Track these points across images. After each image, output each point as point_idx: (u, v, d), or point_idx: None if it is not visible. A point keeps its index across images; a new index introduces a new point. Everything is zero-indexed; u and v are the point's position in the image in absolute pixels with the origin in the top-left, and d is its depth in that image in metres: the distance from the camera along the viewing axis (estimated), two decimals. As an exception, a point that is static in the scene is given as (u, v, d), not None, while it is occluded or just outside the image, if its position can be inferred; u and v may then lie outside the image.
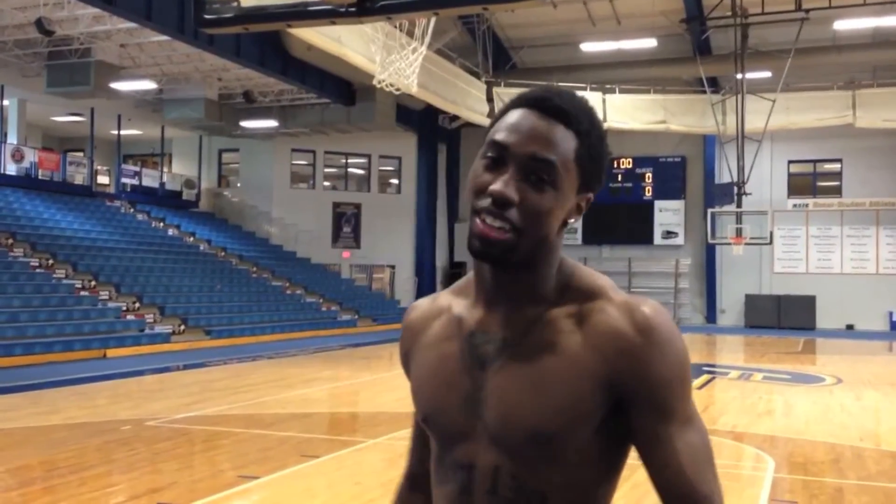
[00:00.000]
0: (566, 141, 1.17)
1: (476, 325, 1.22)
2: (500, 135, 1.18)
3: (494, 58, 26.00)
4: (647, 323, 1.14)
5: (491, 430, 1.17)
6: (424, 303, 1.35)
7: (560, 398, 1.13)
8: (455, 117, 26.70)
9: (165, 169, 28.92)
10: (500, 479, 1.16)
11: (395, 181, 30.94)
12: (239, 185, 30.01)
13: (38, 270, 18.53)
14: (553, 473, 1.15)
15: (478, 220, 1.15)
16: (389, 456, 7.40)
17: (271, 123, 26.23)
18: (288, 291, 24.70)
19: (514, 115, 1.19)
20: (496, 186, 1.14)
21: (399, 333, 1.39)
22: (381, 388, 12.54)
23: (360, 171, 30.74)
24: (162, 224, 25.86)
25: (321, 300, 24.88)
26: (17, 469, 6.88)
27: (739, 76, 23.32)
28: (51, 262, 19.03)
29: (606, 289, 1.20)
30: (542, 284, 1.21)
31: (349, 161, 30.30)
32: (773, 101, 23.45)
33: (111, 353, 16.06)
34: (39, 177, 23.44)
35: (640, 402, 1.14)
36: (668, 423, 1.14)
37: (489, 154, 1.18)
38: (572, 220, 1.23)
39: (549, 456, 1.15)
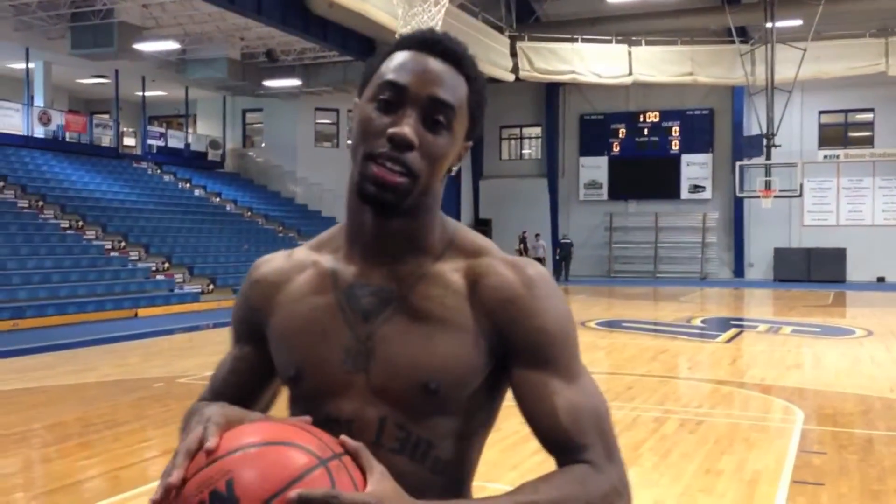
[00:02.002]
0: (460, 85, 1.15)
1: (355, 277, 1.18)
2: (396, 75, 1.13)
3: (518, 11, 25.62)
4: (531, 278, 1.16)
5: (377, 381, 1.13)
6: (278, 257, 1.28)
7: (449, 351, 1.13)
8: (479, 73, 26.39)
9: (190, 130, 29.01)
10: (385, 430, 1.13)
11: (419, 139, 30.79)
12: (263, 144, 30.03)
13: (68, 232, 18.77)
14: (439, 423, 1.15)
15: (373, 165, 1.10)
16: (417, 410, 7.47)
17: (294, 82, 26.13)
18: (314, 250, 24.80)
19: (406, 57, 1.14)
20: (399, 129, 1.10)
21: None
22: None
23: (384, 129, 30.60)
24: (188, 185, 26.01)
25: (347, 259, 24.95)
26: (54, 425, 7.04)
27: (769, 25, 22.82)
28: (80, 223, 19.25)
29: (491, 248, 1.21)
30: (425, 235, 1.18)
31: (373, 119, 30.17)
32: (804, 51, 22.94)
33: (142, 312, 16.31)
34: (67, 139, 23.62)
35: (523, 353, 1.14)
36: (550, 376, 1.14)
37: (383, 96, 1.12)
38: (454, 168, 1.19)
39: (436, 406, 1.14)
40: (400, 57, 1.15)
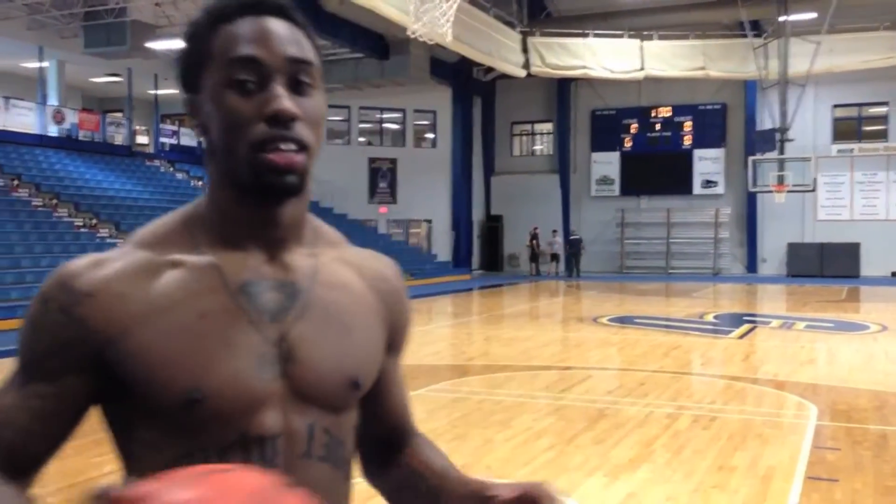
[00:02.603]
0: (302, 37, 1.05)
1: (246, 272, 1.03)
2: (243, 49, 1.00)
3: (529, 7, 25.57)
4: (397, 269, 1.20)
5: (302, 386, 1.02)
6: (106, 261, 1.02)
7: (365, 341, 1.10)
8: (490, 69, 26.40)
9: (202, 127, 29.08)
10: (314, 438, 1.03)
11: (430, 135, 30.80)
12: (275, 142, 30.08)
13: (82, 230, 18.88)
14: (348, 419, 1.09)
15: (264, 154, 0.99)
16: (430, 407, 7.48)
17: (305, 79, 26.16)
18: (326, 247, 24.87)
19: (241, 27, 1.02)
20: (277, 105, 0.99)
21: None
22: (420, 341, 12.63)
23: (396, 126, 30.63)
24: (201, 182, 26.10)
25: (359, 255, 24.99)
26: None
27: (782, 18, 22.68)
28: (94, 221, 19.36)
29: (343, 238, 1.17)
30: (305, 218, 1.09)
31: (384, 116, 30.20)
32: (818, 44, 22.79)
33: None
34: (80, 138, 23.75)
35: (394, 342, 1.18)
36: (399, 364, 1.22)
37: (239, 77, 1.00)
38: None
39: (352, 402, 1.09)
40: (232, 29, 1.02)
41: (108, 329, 0.98)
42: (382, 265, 1.18)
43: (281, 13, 1.04)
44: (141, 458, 1.01)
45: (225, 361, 0.98)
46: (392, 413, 1.21)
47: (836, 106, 28.09)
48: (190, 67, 1.05)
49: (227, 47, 1.02)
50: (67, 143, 23.25)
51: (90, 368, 0.99)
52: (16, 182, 19.48)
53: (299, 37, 1.05)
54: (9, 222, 17.40)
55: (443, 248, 29.52)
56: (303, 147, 1.01)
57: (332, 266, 1.10)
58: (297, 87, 1.02)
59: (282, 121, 0.99)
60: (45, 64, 24.00)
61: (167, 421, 0.98)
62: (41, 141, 22.44)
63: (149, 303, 0.99)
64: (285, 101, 1.00)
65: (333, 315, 1.07)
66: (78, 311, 0.98)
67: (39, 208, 18.92)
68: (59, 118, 23.27)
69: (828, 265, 27.40)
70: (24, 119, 22.21)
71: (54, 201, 19.36)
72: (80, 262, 1.02)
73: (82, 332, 0.98)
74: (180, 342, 0.98)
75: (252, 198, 1.02)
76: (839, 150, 28.10)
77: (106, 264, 1.02)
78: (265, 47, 1.01)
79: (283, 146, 0.99)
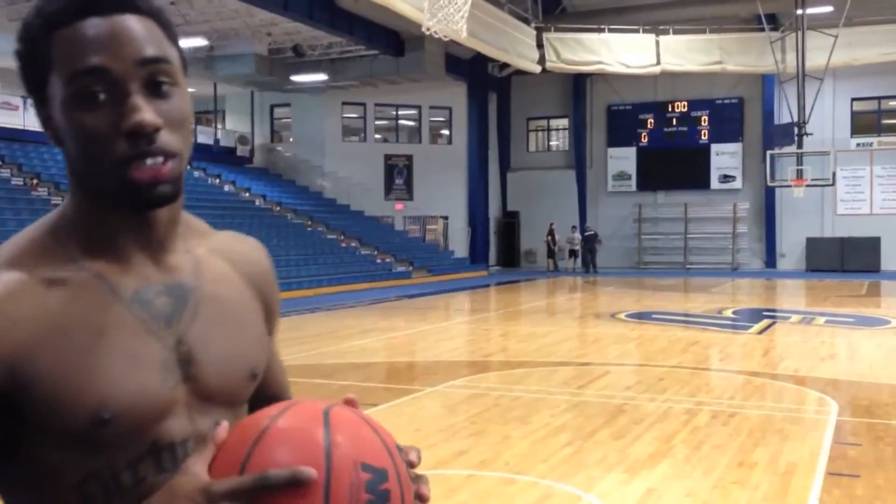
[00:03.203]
0: (152, 28, 0.95)
1: (133, 280, 0.98)
2: (85, 60, 0.91)
3: (544, 2, 25.49)
4: (263, 250, 1.18)
5: (206, 387, 1.00)
6: (2, 279, 0.92)
7: (255, 329, 1.09)
8: (505, 65, 26.35)
9: (219, 125, 29.24)
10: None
11: (446, 132, 30.79)
12: (291, 139, 30.19)
13: (100, 229, 19.01)
14: (244, 409, 1.07)
15: (130, 171, 0.92)
16: (448, 403, 7.49)
17: (321, 77, 26.23)
18: (343, 244, 24.94)
19: (78, 31, 0.92)
20: (135, 119, 0.91)
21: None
22: (438, 337, 12.64)
23: (411, 123, 30.64)
24: (218, 180, 26.23)
25: (375, 252, 25.07)
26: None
27: (800, 11, 22.49)
28: (112, 220, 19.49)
29: (208, 226, 1.14)
30: (179, 217, 1.04)
31: (400, 113, 30.22)
32: (836, 37, 22.58)
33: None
34: (98, 137, 23.94)
35: (271, 323, 1.17)
36: (275, 342, 1.21)
37: (88, 90, 0.91)
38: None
39: (249, 393, 1.07)
40: (71, 35, 0.92)
41: (7, 358, 0.89)
42: (249, 247, 1.16)
43: (125, 6, 0.94)
44: (36, 485, 0.94)
45: (130, 377, 0.94)
46: (273, 388, 1.18)
47: (854, 99, 27.83)
48: (30, 75, 0.96)
49: (68, 57, 0.92)
50: (86, 143, 23.41)
51: None
52: (35, 181, 19.65)
53: (153, 30, 0.95)
54: (28, 221, 17.42)
55: (459, 245, 29.51)
56: (172, 154, 0.94)
57: (209, 259, 1.08)
58: (155, 89, 0.94)
59: (143, 135, 0.92)
60: (63, 64, 24.20)
61: (70, 443, 0.92)
62: (60, 140, 22.62)
63: (41, 325, 0.92)
64: (144, 113, 0.91)
65: (223, 310, 1.05)
66: None
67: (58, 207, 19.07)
68: (77, 118, 23.45)
69: (848, 260, 27.18)
70: (42, 119, 22.40)
71: (73, 200, 19.50)
72: None
73: None
74: (82, 362, 0.92)
75: (109, 208, 0.97)
76: (858, 144, 27.85)
77: None
78: (113, 53, 0.92)
79: (150, 161, 0.93)
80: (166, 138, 0.94)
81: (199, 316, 1.02)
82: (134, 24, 0.94)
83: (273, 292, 1.17)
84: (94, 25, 0.92)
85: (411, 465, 0.94)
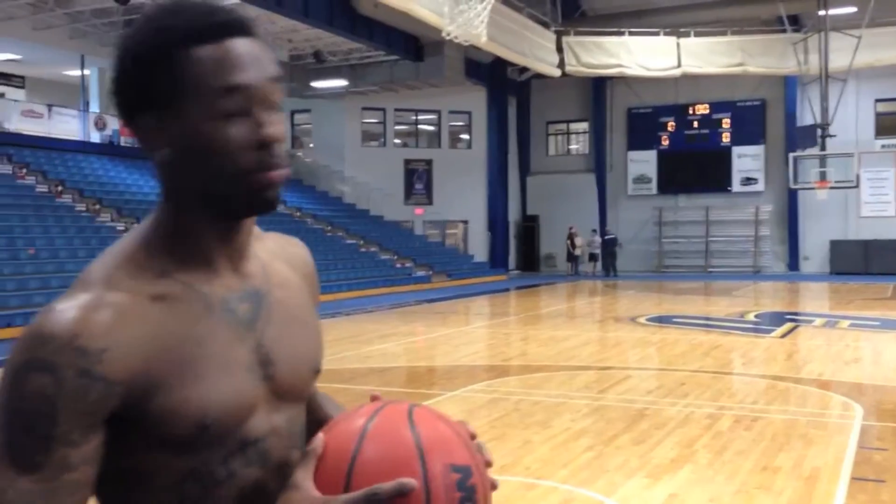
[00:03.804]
0: (271, 52, 1.07)
1: (221, 289, 1.06)
2: (237, 79, 1.00)
3: (563, 6, 25.46)
4: (308, 250, 1.26)
5: (282, 385, 1.09)
6: (99, 306, 0.96)
7: (314, 328, 1.19)
8: (524, 69, 26.34)
9: (240, 132, 29.42)
10: (294, 429, 1.12)
11: (465, 136, 30.81)
12: (311, 145, 30.33)
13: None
14: (305, 406, 1.18)
15: (258, 176, 1.01)
16: (468, 407, 7.48)
17: (341, 83, 26.34)
18: (363, 249, 25.00)
19: (225, 51, 1.00)
20: (273, 131, 1.02)
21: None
22: (458, 341, 12.64)
23: (431, 128, 30.69)
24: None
25: (395, 257, 25.11)
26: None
27: (822, 12, 22.31)
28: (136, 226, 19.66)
29: (256, 227, 1.19)
30: (253, 223, 1.13)
31: (419, 118, 30.28)
32: (859, 38, 22.37)
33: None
34: (122, 144, 24.14)
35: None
36: None
37: (231, 107, 1.00)
38: None
39: (312, 388, 1.20)
40: (214, 55, 1.00)
41: (128, 379, 0.96)
42: (300, 249, 1.24)
43: (253, 31, 1.04)
44: (132, 486, 1.01)
45: (226, 382, 1.03)
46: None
47: (878, 100, 27.55)
48: (152, 89, 1.01)
49: (215, 73, 1.00)
50: (109, 150, 23.64)
51: (109, 419, 0.96)
52: (60, 188, 19.87)
53: (269, 53, 1.06)
54: (53, 227, 17.76)
55: (479, 249, 29.50)
56: (285, 165, 1.05)
57: (272, 263, 1.16)
58: (272, 107, 1.05)
59: (275, 147, 1.03)
60: (87, 72, 24.45)
61: (171, 447, 1.00)
62: (83, 147, 22.86)
63: (151, 343, 0.98)
64: (276, 128, 1.03)
65: (289, 312, 1.14)
66: (99, 370, 0.94)
67: (83, 213, 19.28)
68: (100, 125, 23.68)
69: (872, 262, 26.88)
70: (66, 126, 22.65)
71: (97, 206, 19.70)
72: (64, 320, 0.94)
73: (107, 388, 0.94)
74: (187, 373, 1.00)
75: (232, 214, 1.05)
76: (882, 146, 27.55)
77: (97, 312, 0.96)
78: (253, 74, 1.01)
79: (274, 170, 1.03)
80: (281, 148, 1.05)
81: (272, 319, 1.11)
82: (259, 47, 1.04)
83: (318, 290, 1.27)
84: (240, 45, 1.02)
85: (488, 464, 1.07)
